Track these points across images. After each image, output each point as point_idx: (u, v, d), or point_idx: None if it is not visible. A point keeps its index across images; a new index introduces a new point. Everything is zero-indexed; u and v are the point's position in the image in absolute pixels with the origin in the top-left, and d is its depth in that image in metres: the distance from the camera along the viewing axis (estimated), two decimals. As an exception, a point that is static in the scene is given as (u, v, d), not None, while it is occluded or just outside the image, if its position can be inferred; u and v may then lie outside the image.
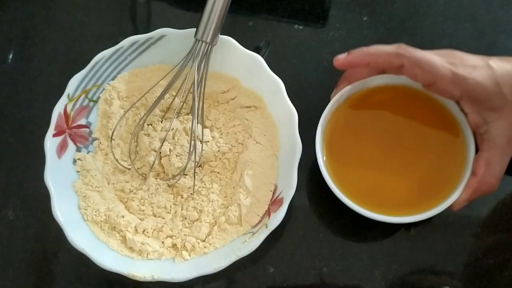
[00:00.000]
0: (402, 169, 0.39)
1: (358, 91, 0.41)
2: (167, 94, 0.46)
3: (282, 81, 0.44)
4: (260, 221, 0.42)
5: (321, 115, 0.46)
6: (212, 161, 0.46)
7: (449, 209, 0.38)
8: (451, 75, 0.36)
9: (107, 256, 0.42)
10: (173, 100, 0.47)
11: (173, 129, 0.46)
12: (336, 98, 0.40)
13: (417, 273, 0.44)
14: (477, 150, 0.38)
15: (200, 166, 0.46)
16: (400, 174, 0.39)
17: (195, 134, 0.44)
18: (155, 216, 0.45)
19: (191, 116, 0.46)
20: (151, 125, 0.47)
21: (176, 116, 0.46)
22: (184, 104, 0.47)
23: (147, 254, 0.42)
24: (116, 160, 0.46)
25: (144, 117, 0.46)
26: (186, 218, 0.44)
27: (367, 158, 0.40)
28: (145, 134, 0.46)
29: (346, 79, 0.42)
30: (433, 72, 0.36)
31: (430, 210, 0.37)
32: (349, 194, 0.39)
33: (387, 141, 0.40)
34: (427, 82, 0.37)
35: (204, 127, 0.46)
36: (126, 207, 0.45)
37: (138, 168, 0.45)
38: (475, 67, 0.36)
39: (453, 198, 0.37)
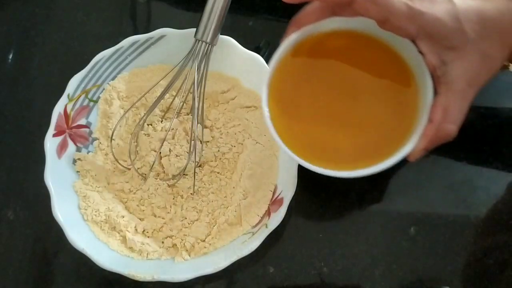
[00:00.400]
0: (356, 120, 0.36)
1: (308, 36, 0.36)
2: (167, 94, 0.46)
3: (282, 81, 0.44)
4: (260, 221, 0.42)
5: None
6: (212, 161, 0.46)
7: (407, 159, 0.35)
8: (406, 9, 0.32)
9: (107, 256, 0.42)
10: (173, 100, 0.47)
11: (173, 129, 0.46)
12: (285, 45, 0.36)
13: (417, 273, 0.44)
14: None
15: (200, 166, 0.46)
16: (354, 125, 0.36)
17: (195, 134, 0.44)
18: (155, 216, 0.45)
19: (191, 116, 0.46)
20: (151, 125, 0.47)
21: (176, 116, 0.46)
22: (184, 104, 0.47)
23: (147, 254, 0.42)
24: (116, 160, 0.46)
25: (144, 117, 0.46)
26: (186, 218, 0.44)
27: (317, 110, 0.36)
28: (145, 134, 0.46)
29: (295, 24, 0.37)
30: (387, 6, 0.32)
31: (385, 161, 0.34)
32: (299, 149, 0.35)
33: (338, 92, 0.36)
34: (381, 18, 0.33)
35: (204, 127, 0.46)
36: (126, 207, 0.45)
37: (138, 168, 0.45)
38: (434, 2, 0.32)
39: (409, 147, 0.33)
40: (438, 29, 0.32)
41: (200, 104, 0.45)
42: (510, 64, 0.38)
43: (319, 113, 0.36)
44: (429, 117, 0.34)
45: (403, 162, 0.35)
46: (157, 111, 0.47)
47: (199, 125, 0.45)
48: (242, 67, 0.46)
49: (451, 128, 0.33)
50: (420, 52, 0.34)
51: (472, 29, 0.32)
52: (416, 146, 0.34)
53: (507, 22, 0.33)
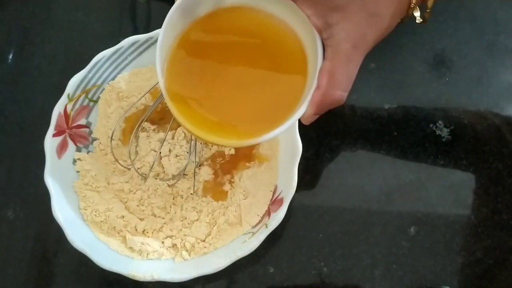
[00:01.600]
0: (248, 92, 0.35)
1: (204, 11, 0.36)
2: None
3: (282, 81, 0.44)
4: (260, 221, 0.42)
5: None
6: (211, 161, 0.46)
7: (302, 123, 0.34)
8: None
9: (107, 256, 0.42)
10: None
11: (172, 129, 0.46)
12: (176, 7, 0.35)
13: (417, 273, 0.44)
14: None
15: (199, 166, 0.46)
16: (247, 97, 0.35)
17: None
18: (155, 216, 0.45)
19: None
20: (151, 125, 0.47)
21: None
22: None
23: (147, 254, 0.42)
24: (116, 160, 0.46)
25: (144, 118, 0.46)
26: (186, 218, 0.44)
27: (212, 82, 0.36)
28: (146, 135, 0.46)
29: None
30: None
31: (276, 129, 0.32)
32: (195, 123, 0.34)
33: (233, 64, 0.36)
34: None
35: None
36: (126, 207, 0.45)
37: (138, 168, 0.45)
38: None
39: (298, 113, 0.32)
40: None
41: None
42: (416, 17, 0.35)
43: (212, 85, 0.36)
44: (317, 82, 0.32)
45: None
46: (157, 111, 0.47)
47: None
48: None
49: (338, 94, 0.32)
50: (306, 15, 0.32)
51: None
52: (306, 112, 0.32)
53: None
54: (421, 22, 0.35)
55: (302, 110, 0.32)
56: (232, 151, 0.46)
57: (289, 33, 0.35)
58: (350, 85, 0.32)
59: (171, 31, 0.36)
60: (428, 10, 0.34)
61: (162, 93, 0.39)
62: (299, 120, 0.34)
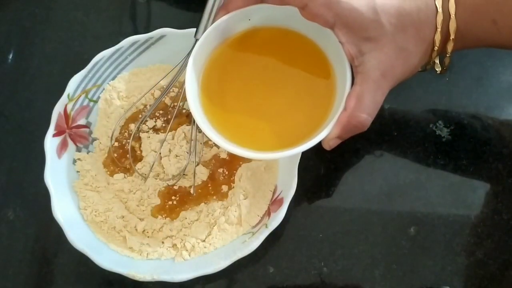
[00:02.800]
0: (277, 109, 0.38)
1: (237, 31, 0.39)
2: (167, 95, 0.46)
3: (282, 81, 0.44)
4: (260, 221, 0.42)
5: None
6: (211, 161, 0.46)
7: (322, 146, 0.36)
8: None
9: (107, 256, 0.42)
10: (172, 100, 0.47)
11: (172, 129, 0.46)
12: (212, 28, 0.38)
13: (417, 273, 0.44)
14: None
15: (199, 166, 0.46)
16: (275, 114, 0.38)
17: (195, 134, 0.44)
18: (154, 216, 0.45)
19: (191, 116, 0.45)
20: (151, 126, 0.47)
21: (175, 116, 0.46)
22: (184, 104, 0.47)
23: (147, 254, 0.42)
24: (116, 160, 0.46)
25: (144, 118, 0.46)
26: (186, 218, 0.44)
27: (241, 99, 0.38)
28: (146, 136, 0.46)
29: (223, 8, 0.38)
30: None
31: (301, 145, 0.34)
32: (224, 133, 0.37)
33: (262, 82, 0.38)
34: (300, 5, 0.34)
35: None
36: (126, 207, 0.45)
37: (138, 169, 0.45)
38: None
39: (324, 133, 0.35)
40: (354, 18, 0.33)
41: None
42: (436, 63, 0.38)
43: (243, 102, 0.38)
44: (345, 105, 0.34)
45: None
46: (157, 111, 0.47)
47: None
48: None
49: (363, 117, 0.34)
50: (340, 42, 0.35)
51: (389, 22, 0.33)
52: (331, 133, 0.35)
53: (424, 17, 0.34)
54: (440, 72, 0.38)
55: (328, 129, 0.34)
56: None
57: (320, 55, 0.38)
58: (375, 111, 0.34)
59: (204, 50, 0.38)
60: (448, 55, 0.37)
61: (162, 93, 0.39)
62: (199, 73, 0.37)
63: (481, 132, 0.46)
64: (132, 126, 0.46)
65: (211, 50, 0.39)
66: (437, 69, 0.39)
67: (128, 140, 0.46)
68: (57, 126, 0.44)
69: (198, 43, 0.38)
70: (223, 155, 0.45)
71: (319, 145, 0.47)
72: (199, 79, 0.38)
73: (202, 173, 0.45)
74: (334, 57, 0.37)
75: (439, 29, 0.35)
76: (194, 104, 0.37)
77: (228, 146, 0.36)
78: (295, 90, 0.38)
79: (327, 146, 0.36)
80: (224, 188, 0.45)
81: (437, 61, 0.38)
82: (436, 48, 0.36)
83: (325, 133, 0.35)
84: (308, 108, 0.37)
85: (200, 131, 0.45)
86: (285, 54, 0.39)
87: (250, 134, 0.37)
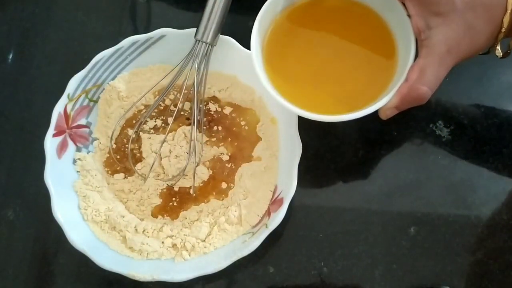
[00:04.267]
0: (340, 76, 0.39)
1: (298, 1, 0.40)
2: (167, 95, 0.46)
3: (282, 81, 0.44)
4: (260, 221, 0.42)
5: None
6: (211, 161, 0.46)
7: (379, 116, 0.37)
8: None
9: (107, 256, 0.42)
10: (173, 101, 0.47)
11: (173, 130, 0.46)
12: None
13: (417, 273, 0.44)
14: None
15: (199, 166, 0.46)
16: (337, 81, 0.39)
17: (195, 134, 0.44)
18: (155, 216, 0.45)
19: (191, 117, 0.45)
20: (151, 126, 0.47)
21: (176, 116, 0.46)
22: (184, 104, 0.47)
23: (147, 254, 0.42)
24: (117, 160, 0.46)
25: (144, 118, 0.46)
26: (186, 218, 0.44)
27: (305, 66, 0.40)
28: (147, 136, 0.46)
29: None
30: None
31: (361, 111, 0.36)
32: (288, 98, 0.38)
33: (326, 50, 0.39)
34: None
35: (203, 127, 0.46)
36: (126, 207, 0.45)
37: (138, 169, 0.45)
38: None
39: (384, 100, 0.36)
40: None
41: (200, 105, 0.45)
42: (497, 48, 0.38)
43: (304, 68, 0.39)
44: (406, 76, 0.35)
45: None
46: (157, 111, 0.47)
47: (198, 125, 0.45)
48: (241, 67, 0.46)
49: (424, 89, 0.34)
50: (408, 15, 0.36)
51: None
52: (390, 102, 0.35)
53: None
54: (502, 56, 0.38)
55: (388, 97, 0.35)
56: (232, 152, 0.46)
57: (383, 27, 0.39)
58: (436, 85, 0.35)
59: (269, 15, 0.39)
60: None
61: (161, 94, 0.39)
62: (262, 42, 0.38)
63: (481, 132, 0.46)
64: (131, 127, 0.46)
65: (275, 16, 0.40)
66: (497, 54, 0.38)
67: (129, 141, 0.46)
68: (57, 126, 0.44)
69: (264, 7, 0.38)
70: (224, 156, 0.45)
71: (319, 145, 0.47)
72: (262, 44, 0.39)
73: (203, 173, 0.45)
74: (399, 29, 0.37)
75: (509, 11, 0.34)
76: (260, 68, 0.37)
77: (293, 108, 0.37)
78: (357, 59, 0.39)
79: (384, 115, 0.36)
80: (224, 188, 0.45)
81: (498, 47, 0.38)
82: (503, 30, 0.35)
83: (385, 101, 0.35)
84: (368, 77, 0.38)
85: (200, 131, 0.45)
86: (348, 24, 0.39)
87: (311, 98, 0.38)
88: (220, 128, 0.46)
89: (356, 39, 0.39)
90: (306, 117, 0.37)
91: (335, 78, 0.39)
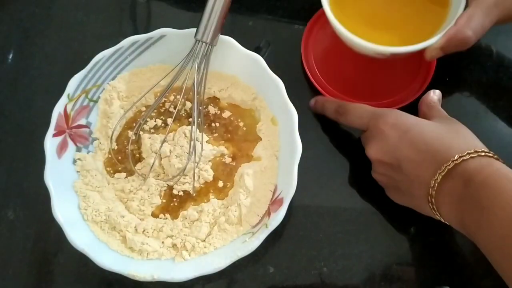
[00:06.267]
0: (398, 18, 0.43)
1: None
2: (167, 95, 0.46)
3: (282, 81, 0.44)
4: (260, 221, 0.42)
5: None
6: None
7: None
8: None
9: (107, 256, 0.42)
10: (173, 101, 0.47)
11: (173, 130, 0.46)
12: None
13: (417, 273, 0.44)
14: None
15: (199, 166, 0.46)
16: (395, 23, 0.43)
17: (194, 134, 0.44)
18: (155, 216, 0.45)
19: (191, 117, 0.46)
20: (152, 126, 0.47)
21: (176, 116, 0.46)
22: (184, 105, 0.47)
23: (147, 254, 0.42)
24: (117, 160, 0.46)
25: (144, 118, 0.46)
26: (186, 218, 0.44)
27: (367, 9, 0.44)
28: (147, 136, 0.46)
29: None
30: None
31: (414, 46, 0.39)
32: (348, 27, 0.41)
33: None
34: None
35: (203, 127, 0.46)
36: (126, 207, 0.45)
37: (138, 169, 0.45)
38: None
39: (433, 40, 0.39)
40: None
41: (200, 105, 0.45)
42: None
43: (368, 10, 0.44)
44: (455, 22, 0.39)
45: None
46: (157, 111, 0.47)
47: (199, 125, 0.45)
48: (242, 67, 0.46)
49: (469, 33, 0.38)
50: None
51: None
52: (436, 43, 0.39)
53: None
54: None
55: (437, 37, 0.39)
56: (232, 152, 0.46)
57: None
58: (481, 33, 0.39)
59: None
60: None
61: (161, 94, 0.39)
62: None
63: (481, 132, 0.46)
64: (132, 128, 0.46)
65: None
66: None
67: (129, 142, 0.46)
68: (57, 126, 0.44)
69: None
70: (224, 155, 0.45)
71: (319, 145, 0.47)
72: None
73: (209, 175, 0.45)
74: None
75: None
76: (327, 8, 0.41)
77: (358, 40, 0.40)
78: (412, 6, 0.43)
79: (429, 55, 0.40)
80: (225, 188, 0.45)
81: None
82: None
83: (434, 40, 0.39)
84: (423, 20, 0.42)
85: (200, 131, 0.45)
86: None
87: (371, 34, 0.42)
88: (220, 128, 0.46)
89: None
90: (367, 48, 0.40)
91: (393, 20, 0.43)
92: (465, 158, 0.36)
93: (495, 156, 0.37)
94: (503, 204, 0.34)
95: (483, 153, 0.37)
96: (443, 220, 0.39)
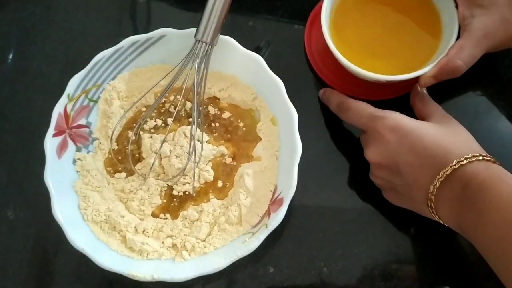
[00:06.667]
0: (392, 49, 0.46)
1: None
2: (167, 95, 0.46)
3: (282, 81, 0.44)
4: (260, 221, 0.42)
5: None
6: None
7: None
8: None
9: (107, 256, 0.42)
10: (173, 101, 0.47)
11: (173, 130, 0.46)
12: None
13: (417, 273, 0.44)
14: None
15: (199, 166, 0.46)
16: (390, 53, 0.45)
17: (195, 134, 0.44)
18: (155, 216, 0.45)
19: (191, 117, 0.46)
20: (152, 126, 0.47)
21: (176, 117, 0.46)
22: (185, 105, 0.47)
23: (147, 254, 0.42)
24: (117, 160, 0.46)
25: (144, 118, 0.46)
26: (186, 218, 0.44)
27: (364, 38, 0.46)
28: (147, 136, 0.46)
29: None
30: None
31: (406, 75, 0.42)
32: (349, 57, 0.43)
33: (382, 26, 0.46)
34: None
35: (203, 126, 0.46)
36: (126, 207, 0.45)
37: (138, 169, 0.45)
38: None
39: (425, 69, 0.42)
40: None
41: (200, 105, 0.45)
42: None
43: (365, 39, 0.46)
44: (447, 52, 0.42)
45: None
46: (157, 111, 0.47)
47: (199, 125, 0.45)
48: (242, 67, 0.46)
49: (459, 63, 0.41)
50: (456, 6, 0.43)
51: None
52: (429, 72, 0.41)
53: None
54: None
55: (429, 67, 0.41)
56: (232, 152, 0.46)
57: (434, 13, 0.45)
58: (471, 62, 0.41)
59: None
60: None
61: (161, 94, 0.39)
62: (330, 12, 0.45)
63: (481, 132, 0.46)
64: (132, 128, 0.46)
65: None
66: None
67: (129, 141, 0.46)
68: (57, 126, 0.44)
69: None
70: (224, 155, 0.45)
71: (319, 145, 0.47)
72: (330, 17, 0.45)
73: (210, 175, 0.45)
74: (447, 16, 0.44)
75: None
76: (328, 36, 0.43)
77: (355, 68, 0.42)
78: (408, 36, 0.45)
79: (423, 83, 0.42)
80: (224, 188, 0.45)
81: None
82: None
83: (426, 69, 0.42)
84: (416, 51, 0.45)
85: (200, 131, 0.45)
86: (403, 7, 0.46)
87: (367, 63, 0.44)
88: (220, 128, 0.46)
89: (409, 20, 0.46)
90: (364, 76, 0.43)
91: (389, 49, 0.46)
92: (463, 163, 0.37)
93: (492, 160, 0.38)
94: (498, 207, 0.35)
95: (480, 157, 0.37)
96: (442, 222, 0.39)
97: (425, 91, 0.45)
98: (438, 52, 0.44)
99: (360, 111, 0.43)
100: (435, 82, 0.42)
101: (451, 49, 0.41)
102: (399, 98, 0.47)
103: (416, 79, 0.42)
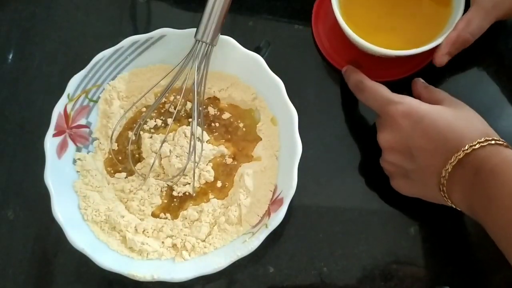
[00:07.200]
0: (399, 23, 0.45)
1: None
2: (167, 95, 0.46)
3: (282, 81, 0.44)
4: (260, 221, 0.42)
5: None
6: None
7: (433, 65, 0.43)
8: None
9: (107, 256, 0.42)
10: (173, 101, 0.47)
11: (173, 130, 0.46)
12: None
13: (417, 273, 0.44)
14: None
15: (199, 166, 0.46)
16: (398, 26, 0.45)
17: (195, 134, 0.44)
18: (155, 216, 0.45)
19: (191, 117, 0.46)
20: (152, 126, 0.47)
21: (176, 117, 0.46)
22: (185, 105, 0.47)
23: (147, 254, 0.42)
24: (117, 160, 0.46)
25: (144, 118, 0.46)
26: (186, 218, 0.44)
27: (373, 13, 0.46)
28: (147, 136, 0.46)
29: None
30: None
31: (417, 49, 0.42)
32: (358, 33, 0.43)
33: (389, 3, 0.46)
34: None
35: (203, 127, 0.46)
36: (126, 207, 0.45)
37: (138, 169, 0.45)
38: None
39: (434, 43, 0.42)
40: None
41: (200, 105, 0.45)
42: None
43: (374, 14, 0.46)
44: (455, 26, 0.42)
45: None
46: (157, 112, 0.47)
47: (199, 124, 0.45)
48: (242, 67, 0.46)
49: (468, 36, 0.41)
50: None
51: None
52: (441, 49, 0.42)
53: None
54: None
55: (440, 40, 0.42)
56: (232, 152, 0.46)
57: None
58: (479, 34, 0.42)
59: None
60: None
61: (161, 94, 0.39)
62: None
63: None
64: (132, 128, 0.46)
65: None
66: None
67: (129, 141, 0.46)
68: (57, 126, 0.44)
69: None
70: (224, 156, 0.45)
71: (319, 145, 0.47)
72: None
73: (210, 175, 0.45)
74: None
75: None
76: (338, 14, 0.43)
77: (366, 44, 0.42)
78: (417, 9, 0.45)
79: (439, 62, 0.42)
80: (224, 188, 0.45)
81: None
82: None
83: (436, 43, 0.42)
84: (424, 24, 0.45)
85: (201, 131, 0.45)
86: None
87: (377, 39, 0.44)
88: (220, 128, 0.46)
89: None
90: (375, 52, 0.43)
91: (397, 23, 0.45)
92: (475, 147, 0.37)
93: (505, 144, 0.37)
94: (510, 192, 0.34)
95: (493, 141, 0.37)
96: (454, 206, 0.39)
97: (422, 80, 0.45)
98: (449, 23, 0.43)
99: (376, 93, 0.42)
100: (450, 58, 0.42)
101: (460, 22, 0.41)
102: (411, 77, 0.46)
103: (427, 53, 0.42)
